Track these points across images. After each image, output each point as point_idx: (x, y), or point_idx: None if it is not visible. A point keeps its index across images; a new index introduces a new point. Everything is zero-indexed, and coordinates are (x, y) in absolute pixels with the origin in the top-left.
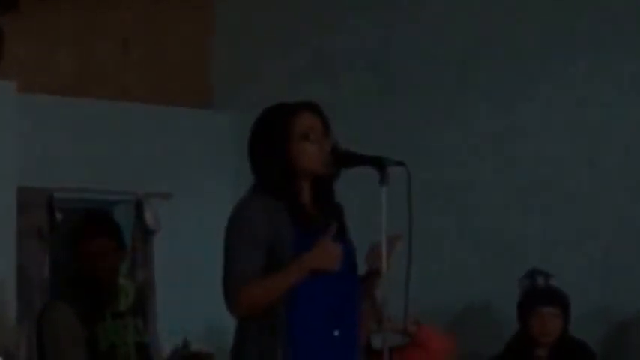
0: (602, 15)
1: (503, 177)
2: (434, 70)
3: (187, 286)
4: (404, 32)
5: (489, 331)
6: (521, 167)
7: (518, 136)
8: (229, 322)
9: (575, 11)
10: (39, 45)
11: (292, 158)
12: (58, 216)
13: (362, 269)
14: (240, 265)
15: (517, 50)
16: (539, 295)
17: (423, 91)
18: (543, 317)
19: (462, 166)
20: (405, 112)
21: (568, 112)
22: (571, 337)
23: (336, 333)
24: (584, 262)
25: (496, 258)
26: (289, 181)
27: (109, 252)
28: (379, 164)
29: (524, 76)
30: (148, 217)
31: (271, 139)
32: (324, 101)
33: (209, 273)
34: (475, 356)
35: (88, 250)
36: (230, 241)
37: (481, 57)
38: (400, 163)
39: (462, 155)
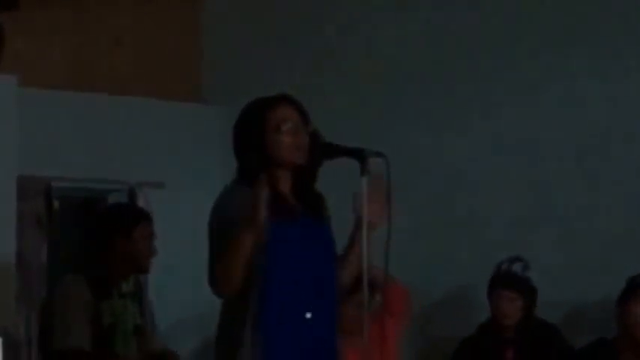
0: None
1: (483, 165)
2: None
3: (176, 271)
4: (394, 30)
5: (467, 316)
6: (502, 156)
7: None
8: (217, 308)
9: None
10: (37, 41)
11: (268, 149)
12: (56, 204)
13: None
14: (222, 251)
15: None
16: (497, 279)
17: (415, 91)
18: (500, 300)
19: (444, 155)
20: (392, 110)
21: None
22: (538, 319)
23: (308, 315)
24: (562, 248)
25: (477, 244)
26: (266, 170)
27: (152, 237)
28: (359, 155)
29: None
30: (141, 205)
31: (249, 131)
32: (312, 95)
33: (197, 257)
34: (453, 340)
35: (142, 234)
36: (213, 229)
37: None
38: (380, 154)
39: (442, 145)
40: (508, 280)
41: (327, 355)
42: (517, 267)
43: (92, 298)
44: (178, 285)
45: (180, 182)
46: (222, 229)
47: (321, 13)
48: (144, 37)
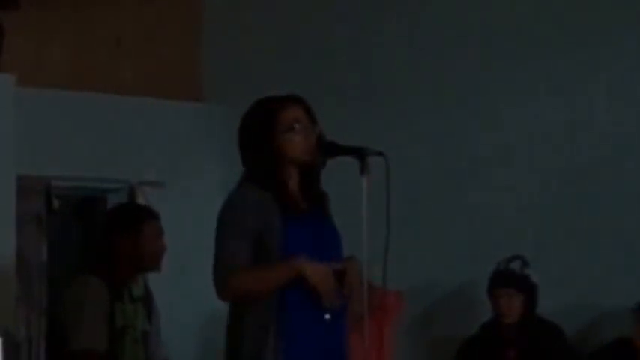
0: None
1: (484, 164)
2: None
3: (176, 271)
4: (394, 29)
5: (468, 316)
6: (503, 156)
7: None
8: (219, 309)
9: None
10: (37, 40)
11: (279, 148)
12: (56, 204)
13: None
14: (229, 253)
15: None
16: (495, 277)
17: (407, 90)
18: (499, 297)
19: (444, 155)
20: (393, 110)
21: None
22: (539, 318)
23: (327, 316)
24: (564, 248)
25: (479, 244)
26: (276, 169)
27: (161, 234)
28: (359, 154)
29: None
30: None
31: (259, 130)
32: (312, 94)
33: (197, 259)
34: (454, 340)
35: (149, 232)
36: (220, 230)
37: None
38: (380, 153)
39: (443, 145)
40: (506, 278)
41: (343, 355)
42: (516, 264)
43: (108, 298)
44: (179, 285)
45: (180, 182)
46: (232, 232)
47: (322, 13)
48: (144, 37)
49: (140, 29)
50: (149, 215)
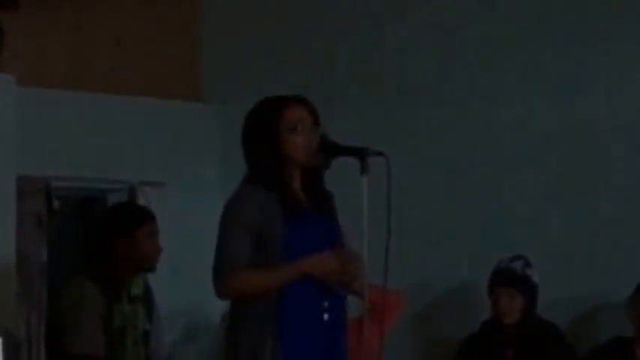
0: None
1: (484, 164)
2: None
3: (176, 271)
4: (392, 31)
5: (467, 316)
6: (502, 155)
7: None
8: (218, 308)
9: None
10: (37, 40)
11: (281, 148)
12: (56, 203)
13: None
14: (230, 252)
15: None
16: (496, 276)
17: (406, 90)
18: (497, 297)
19: (445, 154)
20: (393, 111)
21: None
22: (539, 319)
23: (325, 317)
24: (565, 247)
25: (479, 243)
26: (279, 169)
27: (157, 234)
28: (360, 154)
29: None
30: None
31: (262, 129)
32: (312, 94)
33: (197, 258)
34: (454, 340)
35: (146, 233)
36: (222, 229)
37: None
38: (380, 153)
39: (443, 142)
40: (507, 277)
41: (341, 354)
42: (517, 264)
43: (104, 300)
44: (178, 285)
45: (180, 182)
46: (234, 231)
47: (321, 14)
48: (144, 37)
49: (140, 29)
50: (146, 216)
